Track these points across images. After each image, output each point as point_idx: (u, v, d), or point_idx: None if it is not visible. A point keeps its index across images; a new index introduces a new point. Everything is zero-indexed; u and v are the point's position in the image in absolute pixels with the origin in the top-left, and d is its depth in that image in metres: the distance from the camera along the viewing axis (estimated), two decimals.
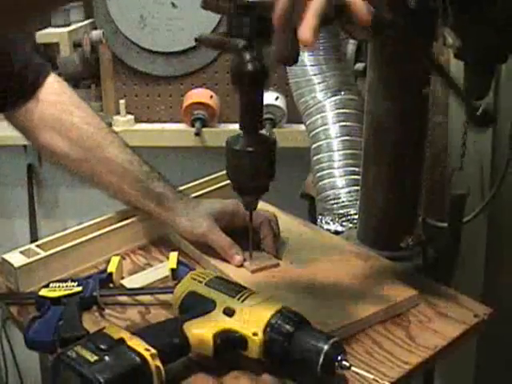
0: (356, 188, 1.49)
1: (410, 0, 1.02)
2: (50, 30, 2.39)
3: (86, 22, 2.48)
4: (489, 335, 1.54)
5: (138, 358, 0.91)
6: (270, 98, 2.27)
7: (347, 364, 0.93)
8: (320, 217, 1.54)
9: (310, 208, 1.78)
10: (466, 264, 1.48)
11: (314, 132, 1.63)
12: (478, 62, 1.17)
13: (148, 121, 2.50)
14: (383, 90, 1.27)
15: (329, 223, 1.50)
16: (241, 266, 1.24)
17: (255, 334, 0.97)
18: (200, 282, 1.07)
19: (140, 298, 1.21)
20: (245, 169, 1.10)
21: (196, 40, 1.03)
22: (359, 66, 1.65)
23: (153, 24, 2.39)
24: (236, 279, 1.16)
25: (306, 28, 0.84)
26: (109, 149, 1.35)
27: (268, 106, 2.24)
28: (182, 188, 1.43)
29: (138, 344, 0.93)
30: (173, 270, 1.25)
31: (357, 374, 0.95)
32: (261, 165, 1.09)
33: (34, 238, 2.65)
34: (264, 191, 1.14)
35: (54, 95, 1.38)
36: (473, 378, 1.82)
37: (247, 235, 1.24)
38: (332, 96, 1.64)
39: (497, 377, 1.80)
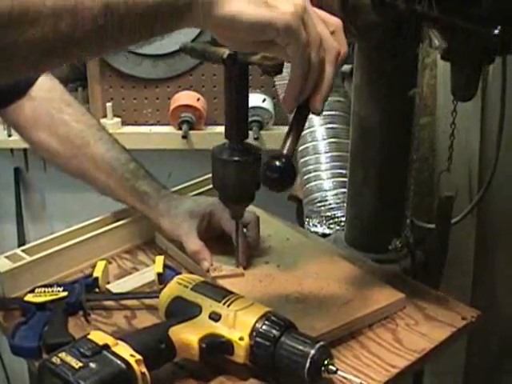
0: (343, 190, 1.49)
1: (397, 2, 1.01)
2: None
3: None
4: (478, 336, 1.55)
5: (123, 364, 0.90)
6: (257, 100, 2.26)
7: (334, 368, 0.93)
8: (307, 219, 1.54)
9: (298, 210, 1.77)
10: (455, 265, 1.48)
11: None
12: (465, 63, 1.16)
13: (135, 123, 2.49)
14: (369, 91, 1.26)
15: (316, 226, 1.50)
16: (207, 271, 1.23)
17: (241, 339, 0.96)
18: (186, 286, 1.06)
19: (126, 302, 1.20)
20: (230, 178, 1.10)
21: (180, 49, 1.03)
22: (346, 68, 1.64)
23: None
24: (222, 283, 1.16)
25: (320, 101, 0.88)
26: (97, 146, 1.36)
27: (255, 108, 2.23)
28: None
29: (123, 350, 0.92)
30: (159, 275, 1.24)
31: (344, 378, 0.95)
32: (246, 174, 1.09)
33: (21, 242, 2.63)
34: (250, 201, 1.15)
35: (46, 92, 1.39)
36: (462, 378, 1.82)
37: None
38: None
39: (486, 377, 1.80)
